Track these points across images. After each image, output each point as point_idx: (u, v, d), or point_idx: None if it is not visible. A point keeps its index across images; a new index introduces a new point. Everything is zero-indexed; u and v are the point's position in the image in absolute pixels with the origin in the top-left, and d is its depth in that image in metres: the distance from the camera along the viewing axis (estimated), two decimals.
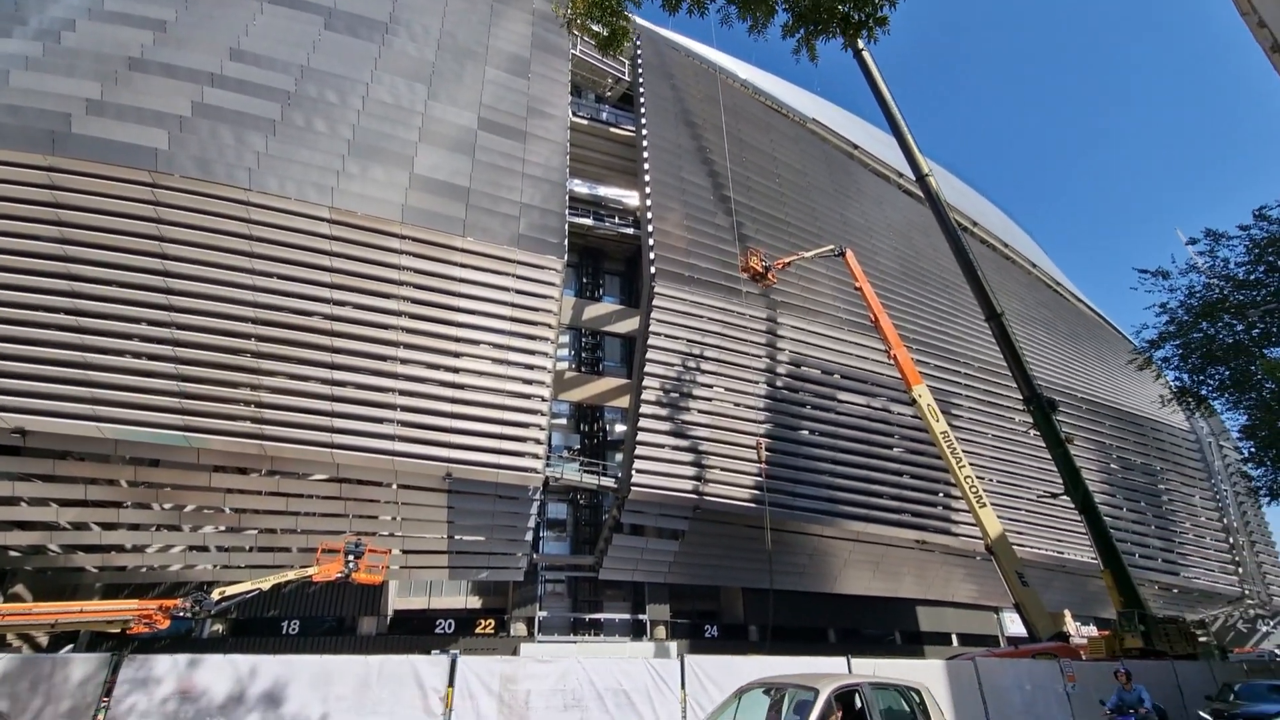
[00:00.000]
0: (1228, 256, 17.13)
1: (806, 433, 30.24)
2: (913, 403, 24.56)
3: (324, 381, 20.41)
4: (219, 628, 24.71)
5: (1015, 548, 33.80)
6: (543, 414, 23.71)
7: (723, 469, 26.66)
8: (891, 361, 25.31)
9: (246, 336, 19.22)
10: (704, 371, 27.52)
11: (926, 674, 10.20)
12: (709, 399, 27.46)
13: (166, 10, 21.18)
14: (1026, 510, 34.19)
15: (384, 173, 21.89)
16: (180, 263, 18.45)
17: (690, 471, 26.12)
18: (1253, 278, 16.65)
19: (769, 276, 26.19)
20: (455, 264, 22.45)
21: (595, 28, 7.13)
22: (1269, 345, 16.09)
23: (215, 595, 15.62)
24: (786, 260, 27.29)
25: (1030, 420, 26.00)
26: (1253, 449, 17.34)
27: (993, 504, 33.70)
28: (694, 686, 8.34)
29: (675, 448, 26.13)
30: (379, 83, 23.55)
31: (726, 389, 28.35)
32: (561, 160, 26.88)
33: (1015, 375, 25.35)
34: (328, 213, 20.14)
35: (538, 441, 23.53)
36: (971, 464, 33.88)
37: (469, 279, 22.72)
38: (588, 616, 28.03)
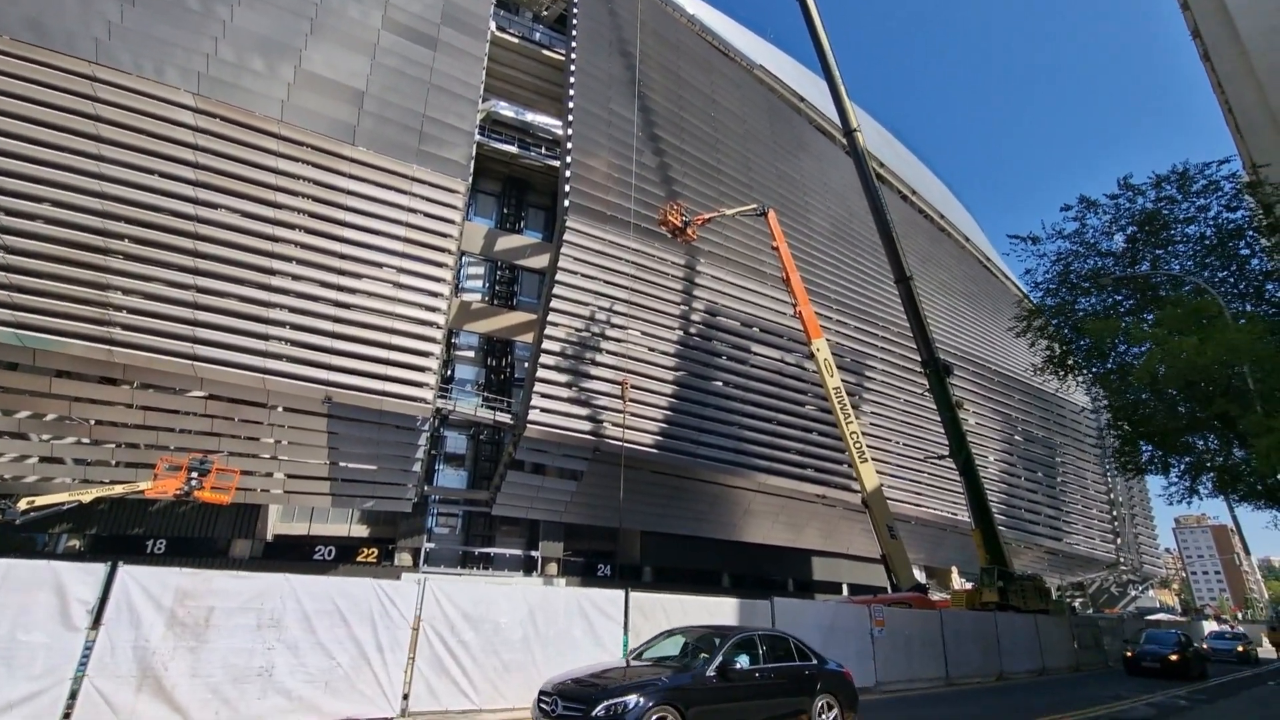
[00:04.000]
0: (1095, 224, 17.30)
1: (720, 383, 30.18)
2: (811, 356, 24.58)
3: (186, 288, 18.81)
4: (76, 543, 23.36)
5: (912, 506, 35.27)
6: (436, 342, 22.68)
7: (630, 413, 26.25)
8: (796, 317, 25.15)
9: (90, 230, 17.38)
10: (615, 313, 26.84)
11: (719, 611, 10.12)
12: (619, 340, 26.88)
13: None
14: (928, 472, 35.40)
15: (264, 64, 19.87)
16: (6, 138, 16.35)
17: (593, 413, 25.71)
18: (1113, 247, 16.89)
19: (688, 232, 25.33)
20: (344, 174, 20.84)
21: None
22: (1129, 315, 16.44)
23: (22, 505, 14.42)
24: (707, 217, 26.49)
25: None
26: (1109, 421, 17.93)
27: (894, 463, 34.92)
28: (432, 611, 7.86)
29: (579, 388, 25.60)
30: None
31: (642, 332, 27.85)
32: (477, 75, 25.11)
33: (917, 338, 25.64)
34: (192, 100, 18.18)
35: (429, 370, 22.56)
36: (877, 423, 34.91)
37: (360, 192, 21.17)
38: (478, 550, 27.77)
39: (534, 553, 28.56)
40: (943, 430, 25.79)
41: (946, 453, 25.31)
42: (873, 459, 25.25)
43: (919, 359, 26.33)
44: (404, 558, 25.67)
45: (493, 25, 27.63)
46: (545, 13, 34.04)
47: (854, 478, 31.27)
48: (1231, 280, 16.71)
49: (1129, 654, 19.86)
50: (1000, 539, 23.48)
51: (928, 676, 14.34)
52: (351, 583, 7.58)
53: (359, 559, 24.76)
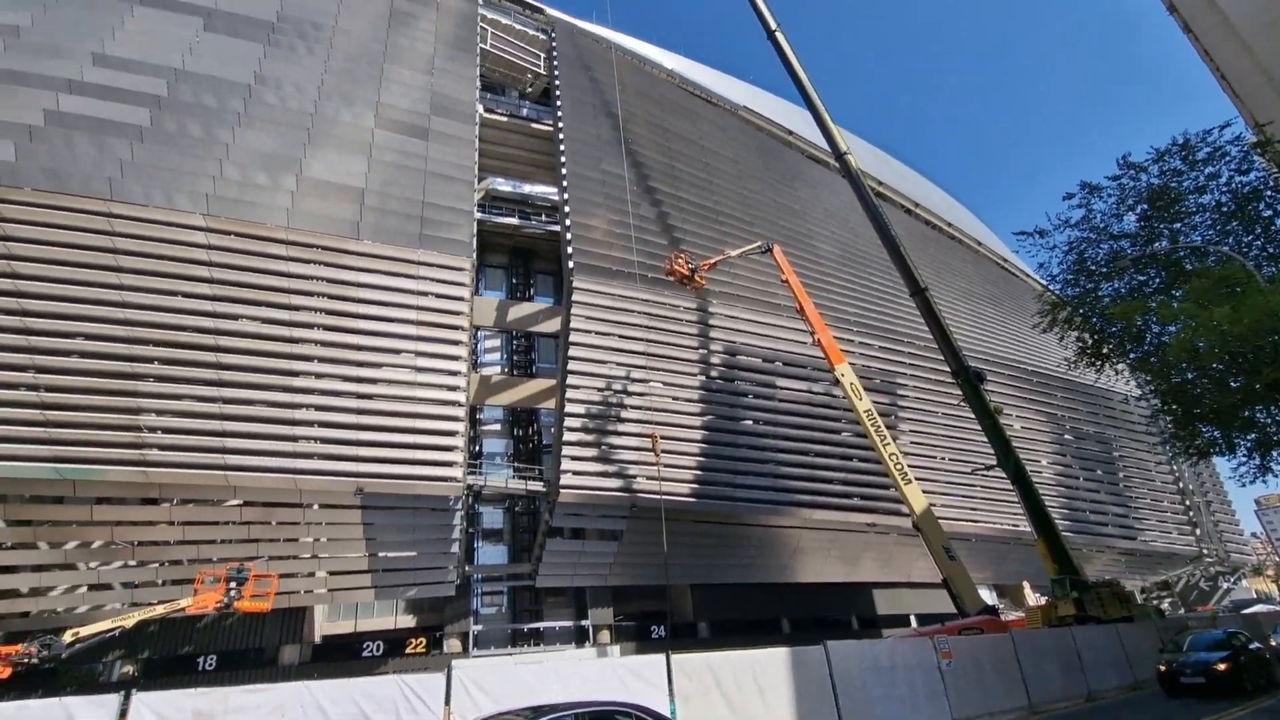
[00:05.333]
0: (1101, 209, 16.80)
1: (751, 422, 29.67)
2: (836, 382, 24.08)
3: (213, 400, 19.24)
4: (130, 669, 23.28)
5: (969, 524, 33.73)
6: (460, 420, 22.74)
7: (663, 465, 25.70)
8: (816, 345, 24.81)
9: (118, 358, 17.99)
10: (635, 366, 26.78)
11: (768, 666, 9.41)
12: (642, 394, 26.72)
13: (20, 15, 19.89)
14: (980, 485, 33.99)
15: (268, 177, 20.81)
16: (34, 281, 17.20)
17: (624, 470, 25.34)
18: (1126, 228, 16.35)
19: (696, 279, 25.43)
20: (353, 269, 21.44)
21: None
22: (1157, 294, 15.75)
23: (67, 637, 14.46)
24: (712, 261, 26.58)
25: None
26: (1158, 406, 17.01)
27: (942, 481, 33.61)
28: (462, 701, 7.47)
29: (608, 446, 25.34)
30: (264, 84, 22.47)
31: (663, 383, 27.69)
32: (470, 157, 26.00)
33: (943, 349, 25.03)
34: (203, 220, 19.02)
35: (456, 449, 22.55)
36: (919, 441, 33.83)
37: (370, 284, 21.71)
38: (526, 626, 27.06)
39: (584, 622, 27.74)
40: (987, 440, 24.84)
41: (994, 463, 24.27)
42: (918, 479, 24.29)
43: (950, 370, 25.63)
44: (453, 644, 25.09)
45: (480, 108, 28.75)
46: (530, 89, 35.43)
47: (902, 501, 30.27)
48: (1260, 244, 16.03)
49: (1162, 668, 15.25)
50: (1066, 545, 22.16)
51: (1009, 707, 13.23)
52: (375, 682, 7.30)
53: (408, 651, 24.24)
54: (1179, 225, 15.85)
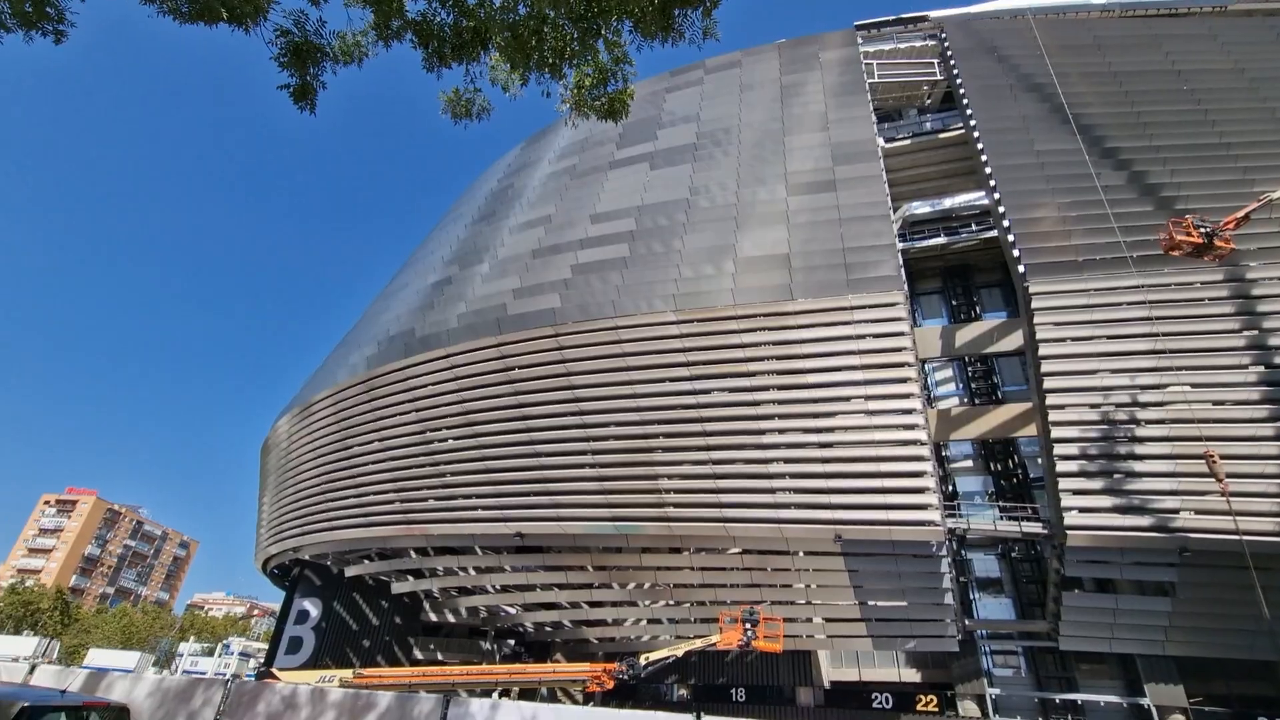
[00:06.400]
0: None
1: None
2: None
3: (704, 462, 22.69)
4: (684, 692, 28.11)
5: None
6: (925, 459, 21.48)
7: (1221, 492, 19.21)
8: None
9: (637, 436, 22.96)
10: (1140, 370, 21.22)
11: None
12: (1160, 403, 20.88)
13: (549, 208, 28.56)
14: None
15: (713, 267, 24.34)
16: (584, 388, 23.55)
17: (1158, 500, 19.83)
18: None
19: (1215, 244, 19.08)
20: (793, 327, 22.97)
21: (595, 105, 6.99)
22: None
23: (642, 660, 18.20)
24: (1243, 213, 19.63)
25: None
26: None
27: None
28: None
29: (1122, 473, 20.34)
30: (696, 194, 26.81)
31: (1192, 385, 21.18)
32: (880, 192, 25.58)
33: None
34: (673, 315, 23.23)
35: (928, 490, 21.25)
36: None
37: (810, 338, 22.86)
38: (1058, 697, 22.71)
39: (1142, 700, 21.90)
40: None
41: None
42: None
43: None
44: (968, 707, 22.81)
45: (881, 141, 28.31)
46: (928, 101, 33.42)
47: None
48: None
49: None
50: None
51: None
52: None
53: (919, 708, 23.03)
54: None
